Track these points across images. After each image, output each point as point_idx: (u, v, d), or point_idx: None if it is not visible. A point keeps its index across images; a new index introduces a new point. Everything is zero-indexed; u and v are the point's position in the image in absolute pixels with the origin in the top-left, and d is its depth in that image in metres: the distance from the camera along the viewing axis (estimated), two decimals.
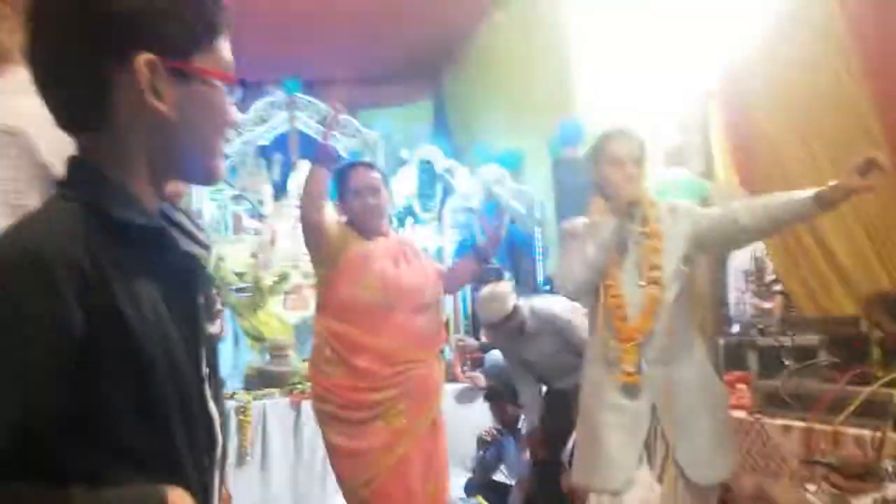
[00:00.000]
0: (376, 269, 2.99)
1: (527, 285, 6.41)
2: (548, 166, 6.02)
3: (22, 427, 0.84)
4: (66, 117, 0.98)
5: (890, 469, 2.12)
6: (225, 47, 1.02)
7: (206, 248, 1.12)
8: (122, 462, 0.91)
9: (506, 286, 3.87)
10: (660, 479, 2.56)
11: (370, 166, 3.22)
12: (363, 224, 3.03)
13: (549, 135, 6.38)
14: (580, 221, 2.87)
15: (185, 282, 1.04)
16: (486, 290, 3.79)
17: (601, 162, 2.75)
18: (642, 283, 2.64)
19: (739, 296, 4.38)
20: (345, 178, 3.08)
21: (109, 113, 0.96)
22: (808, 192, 2.43)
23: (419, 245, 3.27)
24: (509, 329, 3.76)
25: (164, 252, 1.00)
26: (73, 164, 0.99)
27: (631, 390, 2.61)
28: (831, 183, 2.37)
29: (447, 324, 6.42)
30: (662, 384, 2.60)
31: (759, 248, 4.41)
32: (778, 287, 4.34)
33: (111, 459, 0.90)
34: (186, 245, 1.05)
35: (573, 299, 3.16)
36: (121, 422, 0.91)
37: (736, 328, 4.02)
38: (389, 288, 2.97)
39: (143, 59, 0.93)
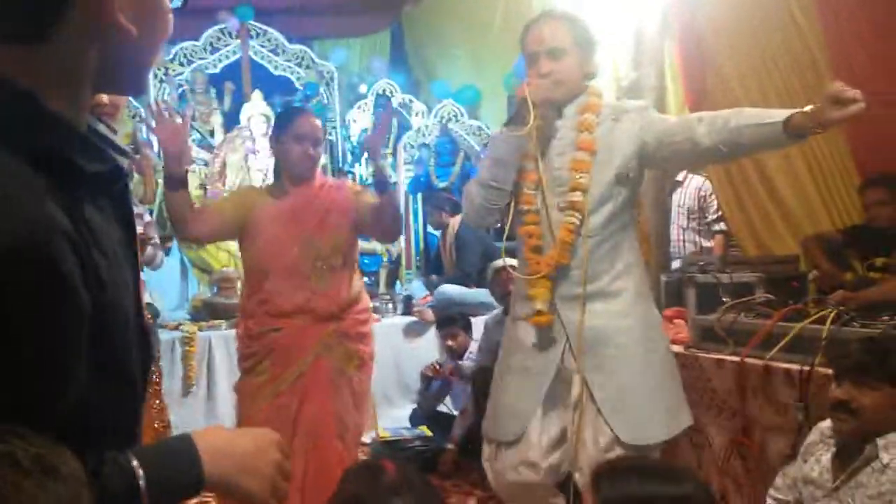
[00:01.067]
0: (268, 233, 2.88)
1: None
2: (504, 102, 5.96)
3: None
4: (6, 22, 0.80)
5: None
6: None
7: (126, 154, 1.05)
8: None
9: None
10: (575, 432, 2.28)
11: (313, 114, 3.12)
12: (294, 170, 2.92)
13: (506, 71, 6.31)
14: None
15: (123, 203, 0.98)
16: None
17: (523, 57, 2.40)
18: (561, 205, 2.30)
19: (681, 232, 4.42)
20: (288, 121, 2.96)
21: (62, 22, 0.81)
22: (778, 116, 2.10)
23: (349, 192, 3.05)
24: None
25: (115, 190, 0.94)
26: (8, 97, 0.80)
27: (542, 332, 2.33)
28: (807, 108, 2.05)
29: (395, 261, 6.40)
30: (580, 327, 2.28)
31: (704, 186, 4.44)
32: (720, 226, 4.39)
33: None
34: (111, 156, 0.94)
35: (476, 226, 2.90)
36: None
37: (676, 264, 4.06)
38: (264, 252, 2.88)
39: None
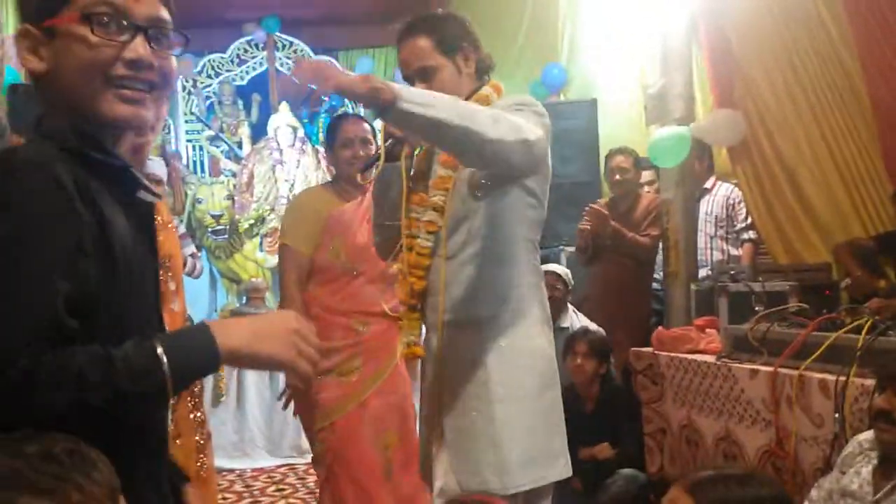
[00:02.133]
0: (354, 235, 3.00)
1: None
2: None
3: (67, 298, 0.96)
4: None
5: None
6: None
7: (158, 197, 1.22)
8: None
9: None
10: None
11: (360, 118, 3.21)
12: (349, 175, 3.00)
13: (531, 80, 6.31)
14: None
15: (145, 222, 1.16)
16: None
17: None
18: (416, 235, 2.10)
19: (708, 241, 4.39)
20: (335, 129, 3.07)
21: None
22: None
23: None
24: None
25: (128, 190, 1.12)
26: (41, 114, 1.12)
27: (424, 364, 2.18)
28: None
29: None
30: (440, 356, 2.10)
31: (733, 194, 4.41)
32: (749, 235, 4.36)
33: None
34: (142, 194, 1.16)
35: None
36: (98, 319, 1.02)
37: (703, 273, 4.04)
38: (353, 254, 2.98)
39: (19, 29, 1.10)
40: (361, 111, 6.60)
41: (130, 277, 1.07)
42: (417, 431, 2.68)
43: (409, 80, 2.12)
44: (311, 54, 7.39)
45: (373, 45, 7.85)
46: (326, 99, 7.40)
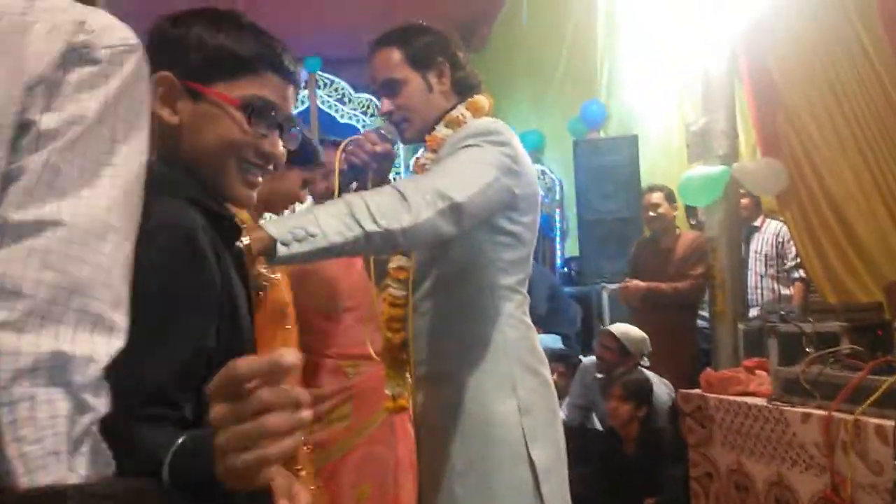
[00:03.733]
0: (337, 272, 2.76)
1: (545, 267, 6.36)
2: (569, 147, 5.96)
3: (188, 366, 1.00)
4: None
5: None
6: (269, 84, 1.17)
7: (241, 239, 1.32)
8: None
9: None
10: None
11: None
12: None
13: (570, 116, 6.32)
14: None
15: (242, 270, 1.22)
16: None
17: None
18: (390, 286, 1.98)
19: (758, 280, 4.32)
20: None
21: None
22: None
23: None
24: None
25: (232, 239, 1.19)
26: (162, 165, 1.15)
27: (416, 424, 2.06)
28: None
29: None
30: (420, 409, 1.99)
31: (782, 231, 4.34)
32: (798, 273, 4.28)
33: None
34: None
35: None
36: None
37: (753, 312, 3.97)
38: (335, 293, 2.78)
39: (160, 74, 1.12)
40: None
41: (242, 331, 1.13)
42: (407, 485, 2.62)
43: (376, 93, 2.03)
44: (352, 92, 7.49)
45: None
46: None
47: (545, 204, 6.59)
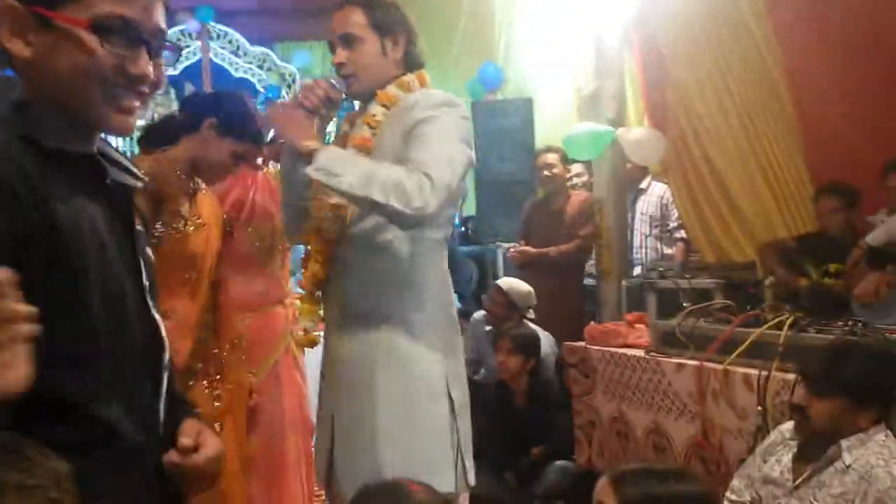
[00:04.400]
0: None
1: None
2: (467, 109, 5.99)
3: None
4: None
5: None
6: (119, 3, 1.06)
7: (140, 179, 1.22)
8: (58, 363, 0.98)
9: None
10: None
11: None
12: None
13: (469, 79, 6.36)
14: None
15: (121, 207, 1.15)
16: None
17: None
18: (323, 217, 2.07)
19: (643, 240, 4.50)
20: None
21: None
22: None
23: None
24: None
25: (97, 178, 1.10)
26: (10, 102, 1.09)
27: (326, 363, 2.12)
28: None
29: None
30: (334, 351, 2.08)
31: (667, 194, 4.52)
32: (681, 233, 4.48)
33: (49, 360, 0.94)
34: (118, 175, 1.15)
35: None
36: (54, 325, 0.97)
37: (637, 271, 4.14)
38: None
39: (3, 3, 1.02)
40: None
41: (83, 263, 1.04)
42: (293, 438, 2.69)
43: (331, 45, 2.08)
44: (247, 45, 7.29)
45: (310, 38, 7.79)
46: (262, 90, 7.30)
47: None
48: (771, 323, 2.51)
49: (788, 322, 2.46)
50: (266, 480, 2.67)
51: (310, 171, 1.84)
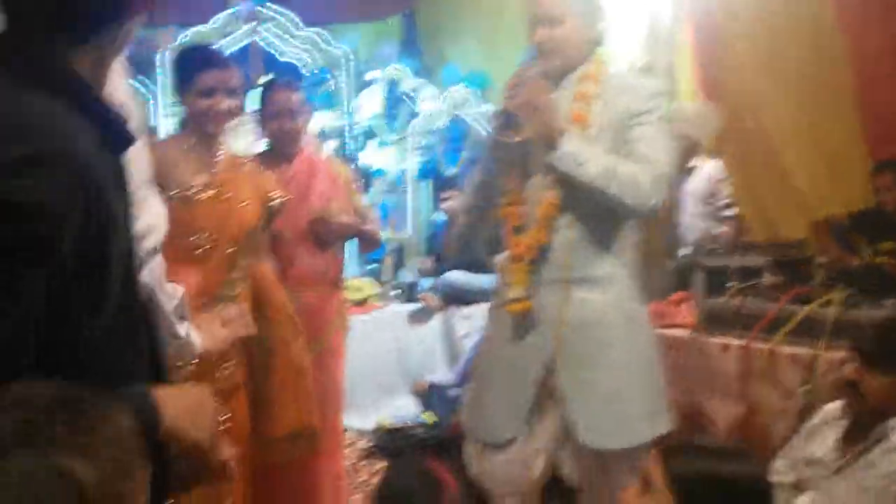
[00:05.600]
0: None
1: None
2: None
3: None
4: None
5: None
6: None
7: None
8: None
9: None
10: (550, 439, 2.15)
11: (290, 86, 3.05)
12: (278, 147, 2.91)
13: (519, 56, 6.27)
14: None
15: (122, 177, 1.11)
16: None
17: None
18: (547, 183, 2.13)
19: (691, 220, 4.39)
20: (264, 99, 2.93)
21: None
22: None
23: (339, 171, 3.11)
24: None
25: (118, 146, 1.09)
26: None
27: (522, 322, 2.16)
28: None
29: (400, 248, 6.38)
30: (559, 314, 2.13)
31: (716, 171, 4.41)
32: (731, 212, 4.36)
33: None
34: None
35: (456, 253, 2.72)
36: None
37: (685, 251, 4.04)
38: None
39: None
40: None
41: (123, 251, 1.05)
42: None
43: (532, 24, 2.16)
44: (296, 28, 7.31)
45: (358, 20, 7.79)
46: (309, 74, 7.32)
47: None
48: (821, 300, 2.42)
49: (839, 299, 2.37)
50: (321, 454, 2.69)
51: (554, 158, 2.00)
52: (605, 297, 2.13)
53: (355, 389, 3.91)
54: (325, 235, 2.88)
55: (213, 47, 2.46)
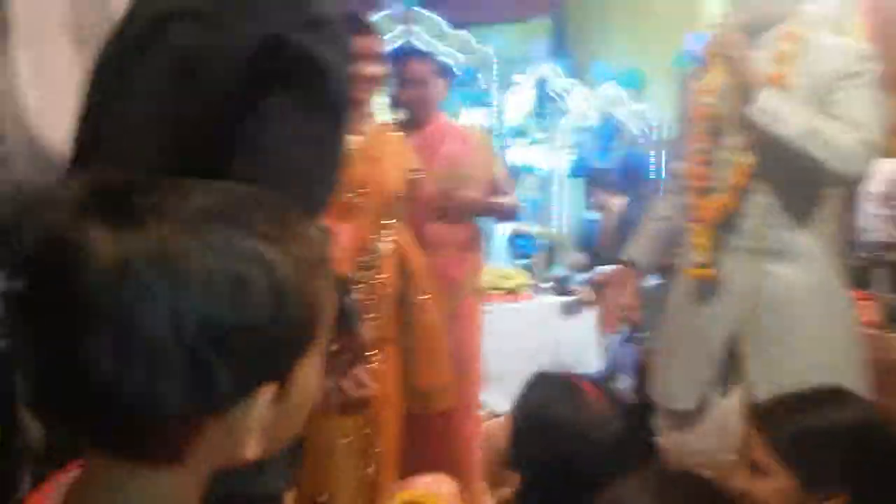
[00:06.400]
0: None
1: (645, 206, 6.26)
2: (672, 85, 5.80)
3: None
4: None
5: None
6: None
7: None
8: None
9: None
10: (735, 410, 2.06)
11: (423, 56, 3.19)
12: (412, 116, 3.03)
13: (672, 52, 6.13)
14: None
15: None
16: None
17: None
18: (739, 145, 2.06)
19: (872, 221, 4.14)
20: (397, 68, 3.07)
21: None
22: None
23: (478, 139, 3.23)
24: None
25: None
26: None
27: (706, 288, 2.09)
28: None
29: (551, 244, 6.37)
30: (749, 287, 2.06)
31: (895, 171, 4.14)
32: None
33: None
34: None
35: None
36: None
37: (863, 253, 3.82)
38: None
39: None
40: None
41: None
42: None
43: None
44: (447, 28, 7.44)
45: (507, 20, 7.83)
46: (459, 73, 7.41)
47: (645, 145, 6.50)
48: None
49: None
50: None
51: (755, 110, 1.92)
52: (799, 275, 2.05)
53: (503, 376, 3.94)
54: (449, 210, 2.93)
55: (356, 13, 2.55)
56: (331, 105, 1.07)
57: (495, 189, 3.13)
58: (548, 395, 1.33)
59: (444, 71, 3.24)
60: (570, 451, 1.21)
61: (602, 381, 1.32)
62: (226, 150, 1.02)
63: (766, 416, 1.44)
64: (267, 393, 0.67)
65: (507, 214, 3.32)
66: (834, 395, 1.44)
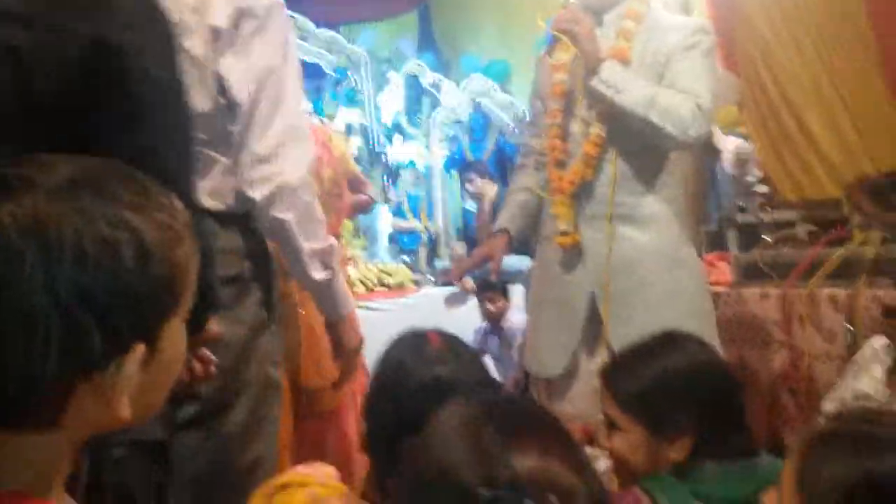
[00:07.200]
0: None
1: None
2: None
3: None
4: None
5: None
6: None
7: None
8: None
9: None
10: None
11: None
12: None
13: (536, 43, 6.30)
14: None
15: None
16: None
17: None
18: (589, 118, 2.16)
19: (723, 187, 4.37)
20: None
21: None
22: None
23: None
24: None
25: None
26: None
27: (569, 256, 2.19)
28: None
29: (434, 239, 6.42)
30: (604, 247, 2.14)
31: (741, 148, 4.37)
32: (762, 189, 4.32)
33: None
34: None
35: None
36: None
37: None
38: None
39: None
40: None
41: None
42: None
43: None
44: (314, 29, 7.38)
45: (375, 18, 7.84)
46: (331, 73, 7.38)
47: (514, 134, 6.61)
48: (858, 241, 2.42)
49: (876, 238, 2.36)
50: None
51: (595, 82, 2.02)
52: (648, 237, 2.14)
53: None
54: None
55: None
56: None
57: (358, 185, 3.16)
58: (395, 345, 1.35)
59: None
60: (398, 392, 1.23)
61: (455, 337, 1.32)
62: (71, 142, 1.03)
63: (611, 373, 1.50)
64: (136, 353, 0.71)
65: (368, 208, 3.39)
66: (666, 343, 1.49)
